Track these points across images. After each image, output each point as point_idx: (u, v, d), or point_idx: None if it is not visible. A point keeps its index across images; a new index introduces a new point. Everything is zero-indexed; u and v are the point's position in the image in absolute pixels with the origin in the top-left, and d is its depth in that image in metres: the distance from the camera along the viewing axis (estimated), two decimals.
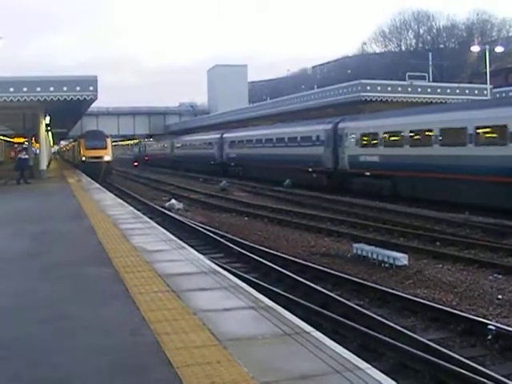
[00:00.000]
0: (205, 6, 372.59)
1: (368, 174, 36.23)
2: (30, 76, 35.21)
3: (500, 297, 13.51)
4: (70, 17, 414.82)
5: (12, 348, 6.55)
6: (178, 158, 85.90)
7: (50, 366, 5.96)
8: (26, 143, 53.91)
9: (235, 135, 64.10)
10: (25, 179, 37.38)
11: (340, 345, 6.45)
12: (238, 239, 20.94)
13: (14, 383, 5.56)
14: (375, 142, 35.93)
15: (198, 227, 23.62)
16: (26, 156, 40.73)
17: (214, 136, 70.88)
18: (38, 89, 34.23)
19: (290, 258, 17.65)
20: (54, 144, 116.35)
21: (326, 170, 41.66)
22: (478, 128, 27.80)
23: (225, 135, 66.76)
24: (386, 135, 35.03)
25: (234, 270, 14.56)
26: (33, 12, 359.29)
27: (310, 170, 43.81)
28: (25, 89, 34.05)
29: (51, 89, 34.33)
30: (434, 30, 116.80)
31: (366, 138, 37.02)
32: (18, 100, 34.09)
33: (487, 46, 64.67)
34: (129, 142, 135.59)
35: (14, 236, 15.41)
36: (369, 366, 5.76)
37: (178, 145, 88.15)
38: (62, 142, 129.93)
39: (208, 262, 11.21)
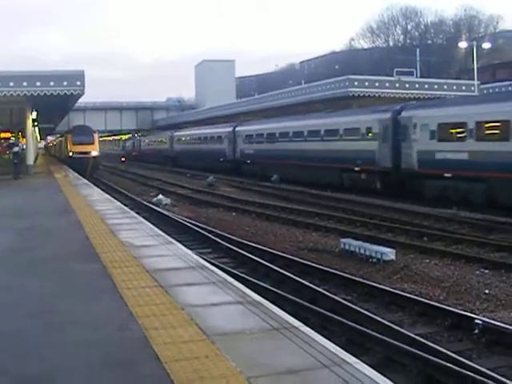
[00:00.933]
0: (193, 1, 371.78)
1: (449, 175, 28.65)
2: (16, 71, 35.07)
3: (487, 291, 13.56)
4: (60, 11, 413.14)
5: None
6: (178, 155, 77.78)
7: (37, 361, 5.93)
8: (13, 139, 53.56)
9: (252, 128, 55.40)
10: (15, 174, 37.24)
11: (328, 339, 6.45)
12: (225, 234, 20.93)
13: (1, 377, 5.53)
14: (462, 134, 28.31)
15: (185, 222, 23.59)
16: (19, 149, 40.56)
17: (224, 129, 61.98)
18: (25, 83, 34.06)
19: (277, 252, 17.66)
20: (40, 139, 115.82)
21: (382, 169, 33.90)
22: None
23: (238, 128, 58.25)
24: (479, 125, 27.34)
25: (221, 265, 14.53)
26: (22, 7, 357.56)
27: (357, 169, 36.05)
28: (11, 83, 33.88)
29: (38, 83, 34.18)
30: (422, 26, 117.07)
31: (446, 130, 29.55)
32: (5, 95, 33.94)
33: (475, 42, 65.07)
34: (121, 136, 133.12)
35: (0, 231, 15.34)
36: (357, 360, 5.76)
37: (179, 139, 78.91)
38: (49, 138, 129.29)
39: (196, 257, 11.19)
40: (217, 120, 74.68)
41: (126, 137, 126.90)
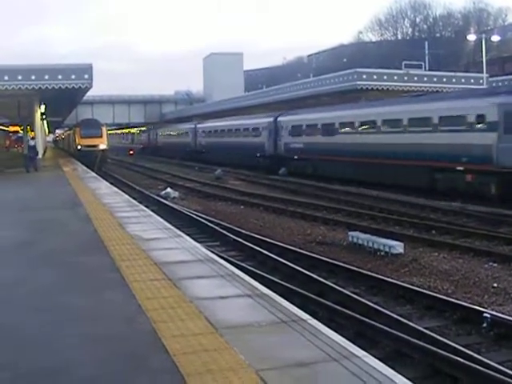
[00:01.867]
0: None
1: None
2: (24, 64, 35.06)
3: (495, 285, 13.53)
4: (65, 4, 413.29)
5: (7, 336, 6.55)
6: (203, 149, 69.41)
7: (46, 355, 5.95)
8: (22, 132, 53.70)
9: (301, 118, 46.43)
10: (27, 167, 37.37)
11: (336, 333, 6.46)
12: (233, 227, 20.93)
13: (10, 372, 5.55)
14: None
15: (193, 216, 23.60)
16: (34, 143, 40.63)
17: (262, 120, 53.41)
18: (33, 77, 34.05)
19: (285, 246, 17.65)
20: (49, 133, 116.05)
21: (498, 169, 26.01)
22: None
23: (281, 118, 49.21)
24: None
25: (230, 259, 14.54)
26: (25, 0, 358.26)
27: (461, 168, 28.00)
28: (19, 77, 33.89)
29: (46, 77, 34.17)
30: (431, 19, 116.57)
31: None
32: (13, 88, 33.93)
33: (483, 35, 64.62)
34: (133, 129, 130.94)
35: (9, 224, 15.39)
36: (365, 353, 5.76)
37: (205, 131, 69.90)
38: (58, 131, 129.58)
39: (204, 250, 11.20)
40: (229, 113, 73.49)
41: (136, 130, 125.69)
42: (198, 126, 73.95)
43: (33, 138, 40.68)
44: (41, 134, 49.49)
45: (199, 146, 71.73)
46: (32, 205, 19.78)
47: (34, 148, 38.97)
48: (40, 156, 44.76)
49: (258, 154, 51.98)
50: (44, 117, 51.10)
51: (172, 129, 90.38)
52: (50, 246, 11.96)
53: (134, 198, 23.30)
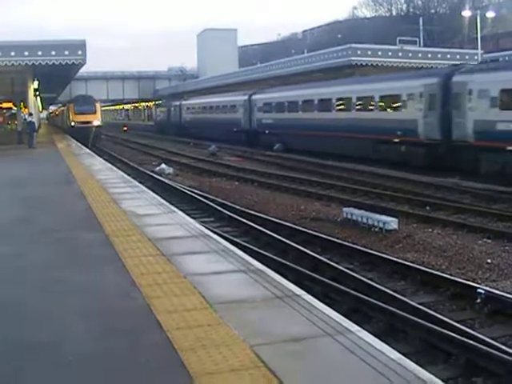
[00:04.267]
0: None
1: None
2: (17, 40, 34.93)
3: (489, 261, 13.56)
4: None
5: (1, 312, 6.55)
6: (268, 128, 49.60)
7: (41, 330, 5.95)
8: (15, 108, 53.45)
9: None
10: (30, 143, 37.31)
11: (331, 308, 6.46)
12: (228, 203, 20.92)
13: (4, 346, 5.55)
14: None
15: (188, 191, 23.59)
16: (33, 119, 40.52)
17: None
18: (26, 53, 33.91)
19: (280, 221, 17.66)
20: (42, 109, 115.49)
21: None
22: None
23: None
24: None
25: (224, 234, 14.53)
26: None
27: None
28: (12, 53, 33.74)
29: (39, 53, 34.01)
30: None
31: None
32: (6, 64, 33.81)
33: (478, 11, 64.42)
34: (141, 103, 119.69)
35: (4, 201, 15.38)
36: (359, 328, 5.77)
37: (269, 104, 50.09)
38: (51, 107, 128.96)
39: (198, 225, 11.19)
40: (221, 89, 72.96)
41: (142, 104, 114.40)
42: (256, 97, 53.35)
43: (30, 114, 40.57)
44: (34, 111, 49.24)
45: (260, 124, 51.57)
46: (26, 181, 19.73)
47: (33, 124, 38.89)
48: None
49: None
50: (37, 93, 50.82)
51: (207, 101, 69.51)
52: (45, 223, 11.93)
53: (128, 175, 23.26)
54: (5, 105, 62.04)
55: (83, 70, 49.85)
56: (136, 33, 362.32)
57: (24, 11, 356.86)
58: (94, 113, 56.37)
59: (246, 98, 54.29)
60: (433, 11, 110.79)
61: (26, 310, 6.59)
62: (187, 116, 73.28)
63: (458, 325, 9.05)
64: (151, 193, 16.27)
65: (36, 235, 10.69)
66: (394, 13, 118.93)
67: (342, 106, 38.59)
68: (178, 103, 78.03)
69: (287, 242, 14.87)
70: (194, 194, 22.79)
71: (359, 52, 50.97)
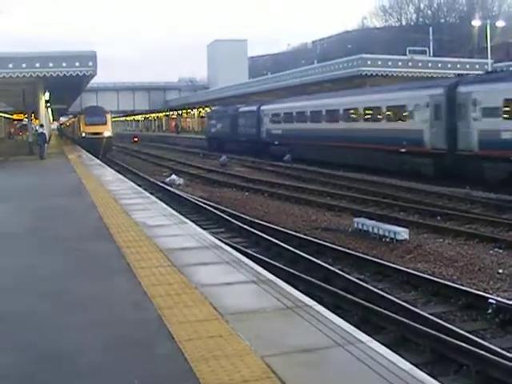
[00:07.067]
0: None
1: None
2: (29, 52, 35.12)
3: (500, 271, 13.52)
4: None
5: (15, 322, 6.58)
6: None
7: (53, 341, 5.97)
8: (26, 120, 53.75)
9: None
10: (41, 154, 37.40)
11: (342, 318, 6.46)
12: (238, 214, 20.94)
13: (20, 357, 5.56)
14: None
15: (198, 202, 23.62)
16: (44, 130, 40.67)
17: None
18: (38, 65, 34.11)
19: (290, 232, 17.66)
20: (53, 120, 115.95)
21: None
22: None
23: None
24: None
25: (234, 245, 14.54)
26: None
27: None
28: (24, 65, 33.93)
29: (50, 64, 34.22)
30: (435, 5, 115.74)
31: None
32: (18, 76, 33.99)
33: (488, 21, 64.27)
34: (133, 116, 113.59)
35: (15, 211, 15.45)
36: (370, 339, 5.77)
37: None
38: (62, 118, 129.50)
39: (209, 236, 11.21)
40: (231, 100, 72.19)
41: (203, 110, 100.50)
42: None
43: (41, 126, 40.74)
44: (45, 122, 49.45)
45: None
46: (38, 192, 19.82)
47: (43, 135, 39.04)
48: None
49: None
50: (48, 104, 51.02)
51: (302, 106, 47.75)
52: (57, 233, 11.99)
53: (138, 185, 23.32)
54: (16, 116, 62.48)
55: (94, 81, 50.02)
56: (146, 44, 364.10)
57: (34, 20, 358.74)
58: (105, 124, 56.52)
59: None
60: (442, 21, 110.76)
61: (37, 320, 6.62)
62: (273, 127, 51.28)
63: (469, 335, 9.02)
64: (162, 203, 16.30)
65: (47, 246, 10.75)
66: (404, 23, 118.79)
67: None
68: (252, 109, 56.29)
69: (298, 252, 14.88)
70: (204, 205, 22.81)
71: (369, 62, 51.09)
